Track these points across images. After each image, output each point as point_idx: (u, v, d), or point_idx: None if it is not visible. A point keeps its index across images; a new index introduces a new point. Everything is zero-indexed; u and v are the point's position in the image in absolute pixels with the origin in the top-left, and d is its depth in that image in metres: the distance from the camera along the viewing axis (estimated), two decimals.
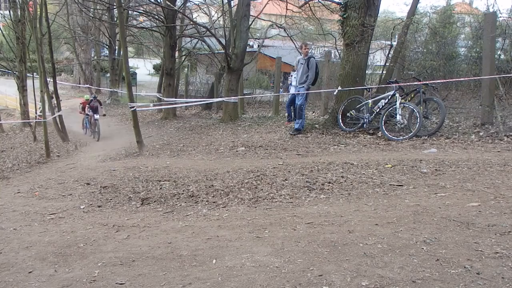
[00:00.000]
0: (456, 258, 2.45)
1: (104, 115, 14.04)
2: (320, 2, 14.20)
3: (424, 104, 6.98)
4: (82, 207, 4.79)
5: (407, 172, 4.60)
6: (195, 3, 18.13)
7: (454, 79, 9.25)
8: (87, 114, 13.99)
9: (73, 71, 30.74)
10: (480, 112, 7.20)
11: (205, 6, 17.78)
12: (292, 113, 9.19)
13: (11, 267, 3.07)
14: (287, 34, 15.86)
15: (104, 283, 2.64)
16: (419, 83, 7.27)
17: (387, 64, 10.50)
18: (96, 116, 13.18)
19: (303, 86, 8.29)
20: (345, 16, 8.07)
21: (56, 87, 11.53)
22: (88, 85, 26.01)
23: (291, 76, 10.15)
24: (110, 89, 22.22)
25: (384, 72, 10.52)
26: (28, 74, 15.69)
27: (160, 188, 5.06)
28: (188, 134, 10.18)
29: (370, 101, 7.78)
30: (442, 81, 8.65)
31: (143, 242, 3.38)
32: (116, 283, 2.62)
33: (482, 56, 7.49)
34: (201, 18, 20.07)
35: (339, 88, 8.16)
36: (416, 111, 6.74)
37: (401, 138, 6.77)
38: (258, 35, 19.22)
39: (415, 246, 2.67)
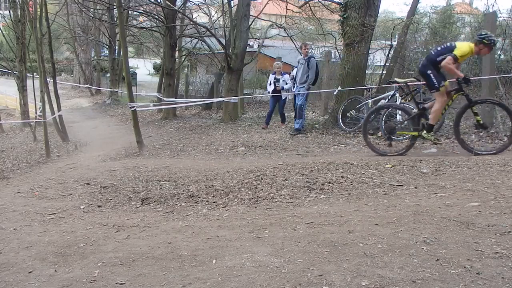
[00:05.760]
0: (456, 258, 2.45)
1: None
2: (320, 2, 14.20)
3: None
4: (82, 207, 4.79)
5: (407, 172, 4.60)
6: (195, 3, 18.10)
7: (454, 79, 9.22)
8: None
9: (73, 71, 30.70)
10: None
11: (205, 6, 17.77)
12: (293, 113, 9.19)
13: (11, 267, 3.06)
14: (287, 34, 15.83)
15: (104, 283, 2.64)
16: (419, 83, 7.26)
17: (387, 64, 10.49)
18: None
19: (304, 86, 8.28)
20: (345, 16, 8.07)
21: (56, 87, 11.51)
22: (88, 85, 25.98)
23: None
24: (110, 89, 22.20)
25: (384, 72, 10.51)
26: (28, 74, 15.68)
27: (160, 188, 5.06)
28: (188, 134, 10.17)
29: (370, 101, 7.78)
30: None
31: (143, 242, 3.37)
32: (116, 283, 2.62)
33: (482, 56, 7.47)
34: (201, 18, 20.04)
35: (339, 88, 8.16)
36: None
37: (401, 138, 6.77)
38: (258, 35, 19.19)
39: (415, 246, 2.67)
